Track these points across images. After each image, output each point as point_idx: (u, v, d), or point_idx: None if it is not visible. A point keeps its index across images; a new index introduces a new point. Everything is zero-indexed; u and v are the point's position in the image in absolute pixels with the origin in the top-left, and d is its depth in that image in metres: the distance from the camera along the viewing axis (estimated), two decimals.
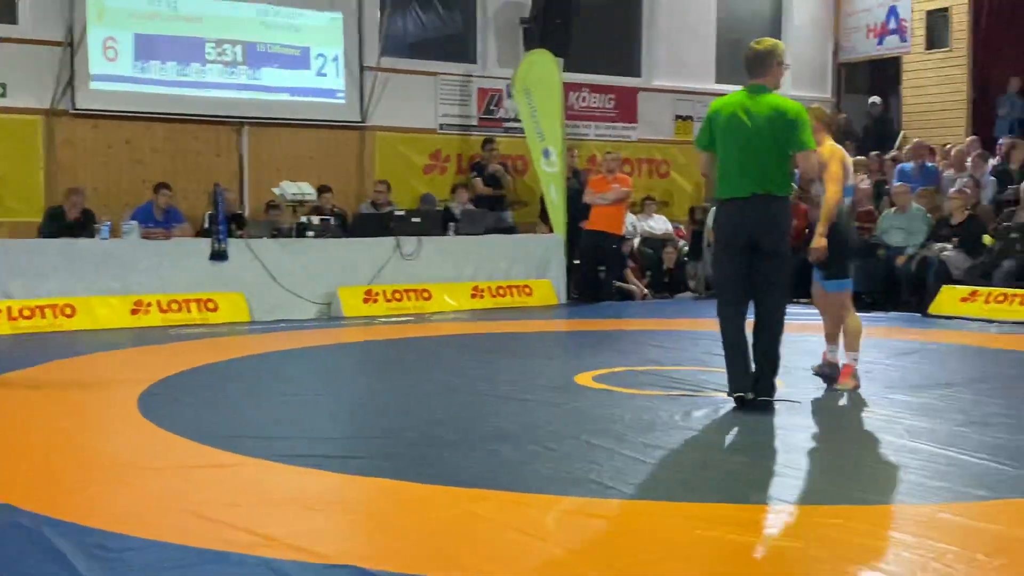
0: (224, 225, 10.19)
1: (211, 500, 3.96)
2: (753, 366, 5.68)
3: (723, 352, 5.76)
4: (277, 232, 10.86)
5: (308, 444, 4.89)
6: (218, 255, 10.18)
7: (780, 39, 17.24)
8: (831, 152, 6.11)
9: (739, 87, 5.82)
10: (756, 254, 5.64)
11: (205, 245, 10.22)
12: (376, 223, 11.29)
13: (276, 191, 11.17)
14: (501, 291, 11.77)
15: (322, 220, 11.03)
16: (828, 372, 6.42)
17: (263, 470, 4.45)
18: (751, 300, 5.73)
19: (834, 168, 6.06)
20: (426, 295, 11.17)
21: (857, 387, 6.26)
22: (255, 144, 12.37)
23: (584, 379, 6.75)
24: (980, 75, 15.27)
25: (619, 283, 12.61)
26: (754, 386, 5.65)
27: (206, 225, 10.65)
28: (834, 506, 3.88)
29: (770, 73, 5.76)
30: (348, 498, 4.12)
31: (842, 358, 6.43)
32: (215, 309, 10.09)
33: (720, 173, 5.74)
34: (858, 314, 6.51)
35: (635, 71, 15.19)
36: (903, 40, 15.90)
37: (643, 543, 3.47)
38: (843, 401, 6.00)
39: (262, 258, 10.39)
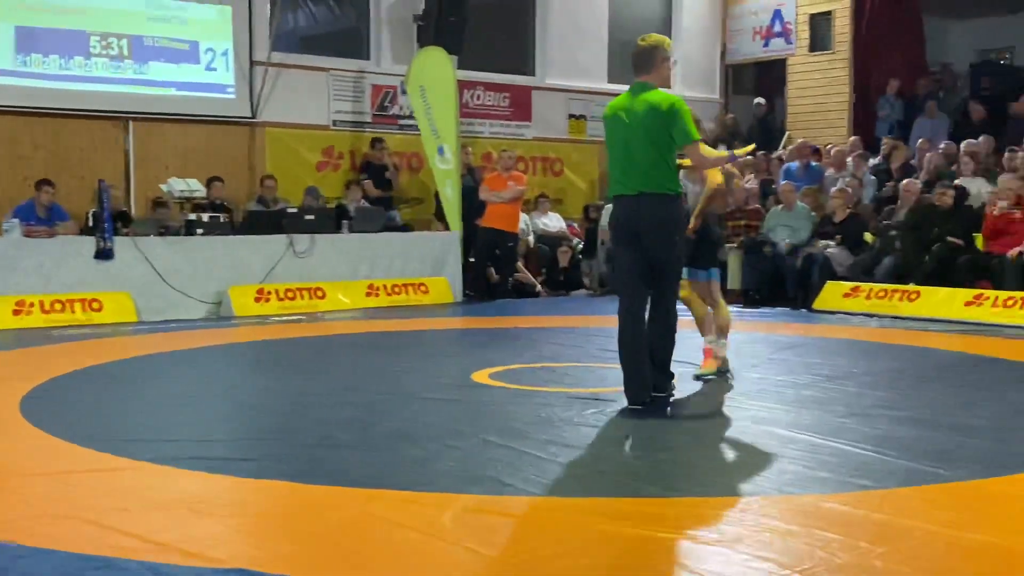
0: (109, 223, 9.93)
1: (98, 505, 3.86)
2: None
3: (619, 352, 5.76)
4: (165, 230, 10.63)
5: (198, 447, 4.81)
6: (103, 254, 9.92)
7: (670, 40, 17.42)
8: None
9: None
10: (647, 251, 5.71)
11: (90, 243, 9.94)
12: (268, 220, 11.13)
13: (164, 188, 10.93)
14: (396, 289, 11.72)
15: (211, 218, 10.83)
16: (723, 368, 6.61)
17: (152, 474, 4.35)
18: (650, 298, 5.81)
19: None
20: (320, 294, 11.06)
21: (724, 369, 6.63)
22: (141, 140, 12.08)
23: (481, 376, 6.76)
24: (861, 77, 15.75)
25: (513, 277, 12.69)
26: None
27: (90, 223, 10.36)
28: (723, 497, 3.96)
29: (655, 70, 5.78)
30: (240, 501, 4.06)
31: (722, 350, 6.67)
32: (100, 309, 9.82)
33: (609, 172, 5.89)
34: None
35: (529, 70, 15.28)
36: (788, 42, 16.31)
37: (542, 539, 3.50)
38: (730, 394, 6.12)
39: (149, 257, 10.16)
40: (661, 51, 5.79)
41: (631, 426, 5.28)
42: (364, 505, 3.88)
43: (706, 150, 6.00)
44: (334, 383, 6.67)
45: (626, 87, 5.92)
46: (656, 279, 5.76)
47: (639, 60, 5.81)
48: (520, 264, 12.88)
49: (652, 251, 5.70)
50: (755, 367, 7.14)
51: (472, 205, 12.48)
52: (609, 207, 13.51)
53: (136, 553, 3.30)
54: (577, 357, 7.70)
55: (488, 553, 3.34)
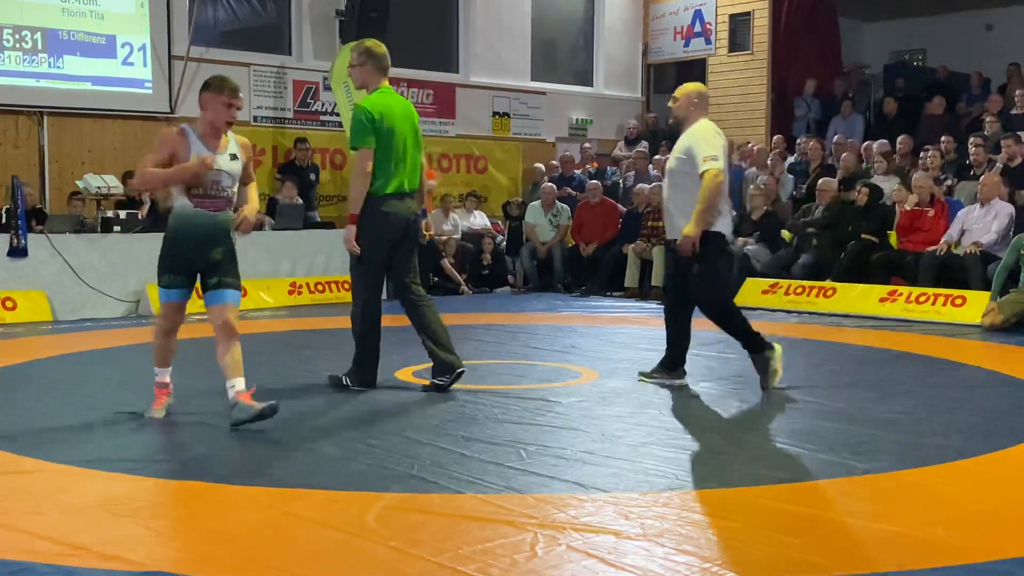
0: (23, 220, 9.69)
1: (13, 509, 3.77)
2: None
3: (366, 336, 6.27)
4: (81, 227, 10.41)
5: (115, 448, 4.72)
6: (16, 251, 9.68)
7: (592, 39, 17.64)
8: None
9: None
10: (403, 247, 6.17)
11: (3, 241, 9.70)
12: None
13: (80, 184, 10.71)
14: (320, 287, 11.62)
15: (129, 214, 10.63)
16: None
17: (67, 476, 4.26)
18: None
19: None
20: (242, 292, 10.89)
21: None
22: (56, 135, 11.82)
23: (404, 374, 6.75)
24: (779, 77, 16.02)
25: (438, 277, 12.68)
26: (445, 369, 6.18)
27: (3, 220, 10.10)
28: (645, 492, 4.00)
29: None
30: (158, 502, 3.99)
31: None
32: (14, 308, 9.58)
33: (387, 169, 6.01)
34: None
35: (453, 67, 15.27)
36: (707, 43, 16.52)
37: (466, 536, 3.50)
38: (647, 389, 6.18)
39: (64, 254, 9.94)
40: None
41: (554, 421, 5.30)
42: (285, 505, 3.84)
43: None
44: (254, 382, 6.56)
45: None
46: (412, 271, 6.27)
47: (387, 63, 6.15)
48: (447, 263, 12.86)
49: (410, 244, 6.20)
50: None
51: None
52: (534, 204, 13.53)
53: (52, 557, 3.24)
54: (500, 354, 7.72)
55: (413, 551, 3.33)
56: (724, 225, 6.18)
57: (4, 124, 11.48)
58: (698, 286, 6.12)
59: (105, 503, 3.86)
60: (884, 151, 12.30)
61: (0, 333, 8.82)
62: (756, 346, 6.16)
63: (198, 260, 5.45)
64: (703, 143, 6.09)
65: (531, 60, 15.67)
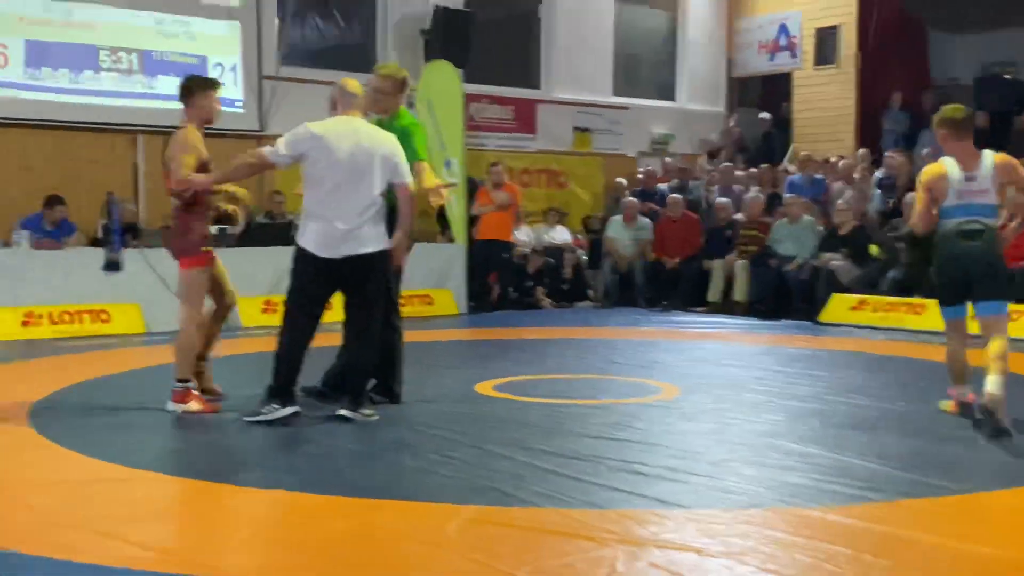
0: (118, 235, 9.97)
1: (107, 515, 3.88)
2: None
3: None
4: None
5: (205, 457, 4.83)
6: (112, 265, 9.94)
7: (676, 53, 17.46)
8: None
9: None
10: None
11: (98, 255, 9.98)
12: (274, 233, 11.17)
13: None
14: (402, 301, 11.68)
15: (219, 230, 10.85)
16: None
17: (159, 484, 4.37)
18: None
19: None
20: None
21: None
22: (151, 153, 12.13)
23: (484, 388, 6.78)
24: (867, 91, 15.76)
25: (517, 291, 12.76)
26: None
27: (99, 235, 10.40)
28: (729, 510, 3.97)
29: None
30: (245, 511, 4.07)
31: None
32: (108, 320, 9.86)
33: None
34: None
35: (534, 83, 15.33)
36: (793, 56, 16.33)
37: (545, 551, 3.50)
38: (729, 406, 6.12)
39: (157, 268, 10.18)
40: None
41: (635, 435, 5.27)
42: (367, 515, 3.89)
43: None
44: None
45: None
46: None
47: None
48: (540, 291, 12.95)
49: None
50: (761, 379, 7.14)
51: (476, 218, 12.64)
52: (615, 218, 13.45)
53: (144, 563, 3.32)
54: (580, 368, 7.71)
55: (493, 564, 3.35)
56: (308, 240, 6.14)
57: (100, 142, 11.83)
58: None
59: (194, 510, 3.95)
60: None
61: (95, 345, 9.07)
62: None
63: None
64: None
65: (613, 75, 15.67)
